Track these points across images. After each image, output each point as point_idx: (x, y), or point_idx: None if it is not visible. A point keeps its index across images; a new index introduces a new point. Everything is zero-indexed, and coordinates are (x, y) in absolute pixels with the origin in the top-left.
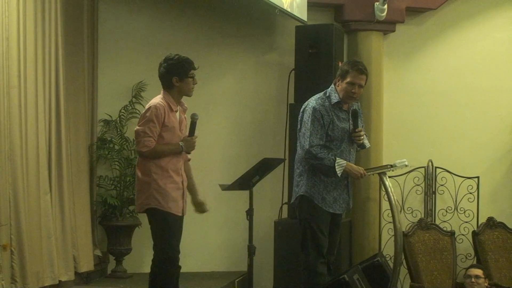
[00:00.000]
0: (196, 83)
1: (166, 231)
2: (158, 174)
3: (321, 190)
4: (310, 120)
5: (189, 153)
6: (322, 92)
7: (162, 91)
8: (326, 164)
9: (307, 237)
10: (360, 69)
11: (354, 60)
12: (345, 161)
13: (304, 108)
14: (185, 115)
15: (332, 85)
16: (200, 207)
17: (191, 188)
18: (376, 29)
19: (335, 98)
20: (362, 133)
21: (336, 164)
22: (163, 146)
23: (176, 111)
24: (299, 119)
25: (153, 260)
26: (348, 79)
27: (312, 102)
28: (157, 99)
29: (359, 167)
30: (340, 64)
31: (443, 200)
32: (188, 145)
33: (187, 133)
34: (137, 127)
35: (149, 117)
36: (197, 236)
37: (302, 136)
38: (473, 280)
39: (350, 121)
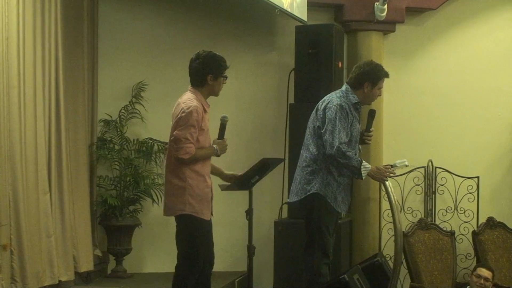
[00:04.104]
0: (225, 83)
1: (196, 237)
2: (193, 179)
3: (334, 189)
4: (337, 117)
5: (219, 155)
6: (338, 91)
7: (190, 90)
8: (354, 165)
9: (315, 237)
10: (388, 73)
11: (376, 63)
12: (370, 165)
13: (326, 105)
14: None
15: (347, 86)
16: (232, 178)
17: (216, 170)
18: (376, 29)
19: (354, 98)
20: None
21: (362, 167)
22: (200, 151)
23: (207, 112)
24: (319, 117)
25: (177, 267)
26: (379, 85)
27: (336, 99)
28: (193, 101)
29: (385, 171)
30: (340, 65)
31: (443, 200)
32: (221, 148)
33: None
34: (178, 132)
35: (191, 122)
36: None
37: (329, 133)
38: (482, 281)
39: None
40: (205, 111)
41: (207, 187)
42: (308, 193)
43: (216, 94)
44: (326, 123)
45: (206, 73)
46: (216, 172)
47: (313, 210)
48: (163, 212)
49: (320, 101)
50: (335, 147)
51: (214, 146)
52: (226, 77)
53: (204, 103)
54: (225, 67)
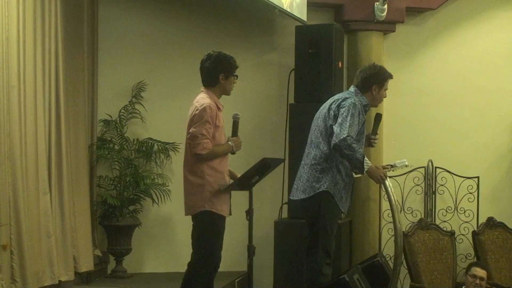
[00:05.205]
0: (235, 83)
1: (214, 235)
2: (212, 176)
3: (341, 188)
4: (349, 113)
5: (234, 153)
6: (348, 91)
7: (203, 90)
8: (357, 157)
9: (319, 236)
10: (391, 75)
11: (380, 66)
12: (370, 162)
13: (340, 103)
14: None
15: (356, 88)
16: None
17: (233, 176)
18: (376, 29)
19: (363, 100)
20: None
21: (364, 161)
22: (217, 147)
23: (221, 110)
24: (331, 115)
25: (190, 264)
26: (385, 86)
27: (350, 98)
28: (206, 99)
29: (383, 172)
30: (340, 65)
31: (443, 200)
32: (237, 145)
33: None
34: (193, 129)
35: (205, 118)
36: None
37: (338, 125)
38: (477, 281)
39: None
40: (218, 109)
41: (226, 184)
42: (317, 191)
43: (228, 93)
44: (338, 117)
45: (218, 73)
46: (232, 177)
47: (320, 209)
48: (184, 213)
49: (330, 100)
50: (342, 138)
51: (229, 143)
52: (237, 76)
53: (217, 101)
54: (235, 66)
